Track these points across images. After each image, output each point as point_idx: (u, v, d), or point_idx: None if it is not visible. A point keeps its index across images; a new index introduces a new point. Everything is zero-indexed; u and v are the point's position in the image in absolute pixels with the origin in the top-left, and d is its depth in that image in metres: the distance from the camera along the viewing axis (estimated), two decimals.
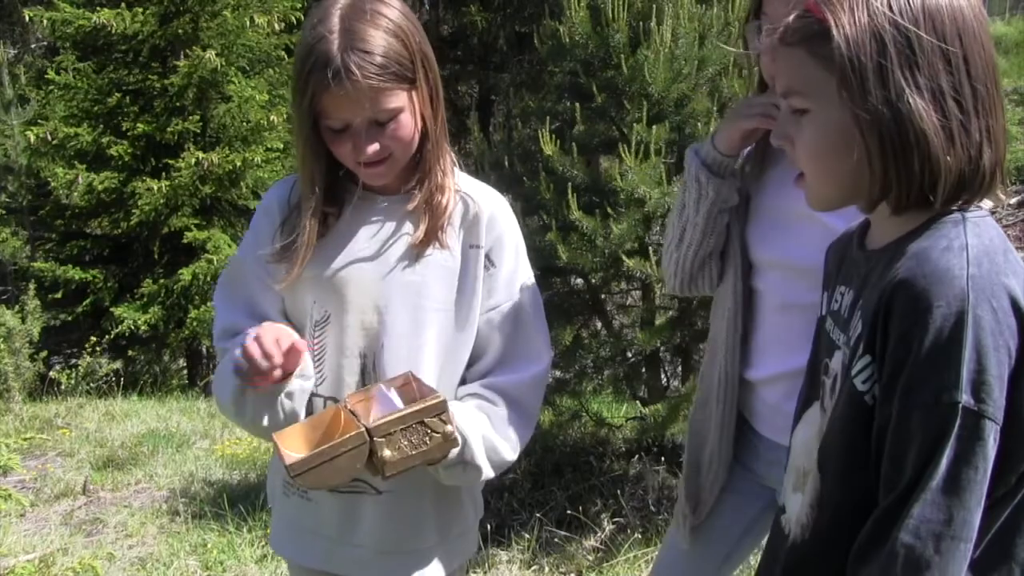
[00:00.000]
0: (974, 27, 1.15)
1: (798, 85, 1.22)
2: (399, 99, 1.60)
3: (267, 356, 1.55)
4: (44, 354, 8.78)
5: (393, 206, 1.73)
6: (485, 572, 3.78)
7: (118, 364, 9.66)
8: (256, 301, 1.74)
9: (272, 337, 1.57)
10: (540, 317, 1.80)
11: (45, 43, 14.55)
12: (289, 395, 1.64)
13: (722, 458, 2.02)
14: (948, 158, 1.13)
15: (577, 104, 4.03)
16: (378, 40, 1.56)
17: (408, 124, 1.63)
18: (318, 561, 1.80)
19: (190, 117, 9.80)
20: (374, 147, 1.60)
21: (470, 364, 1.77)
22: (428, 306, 1.71)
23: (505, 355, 1.76)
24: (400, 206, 1.72)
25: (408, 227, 1.72)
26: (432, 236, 1.70)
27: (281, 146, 10.50)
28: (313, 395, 1.71)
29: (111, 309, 9.69)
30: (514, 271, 1.78)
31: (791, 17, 1.23)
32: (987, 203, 1.25)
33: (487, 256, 1.74)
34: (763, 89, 1.87)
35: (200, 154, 9.59)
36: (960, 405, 1.06)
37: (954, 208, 1.18)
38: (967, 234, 1.14)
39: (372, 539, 1.75)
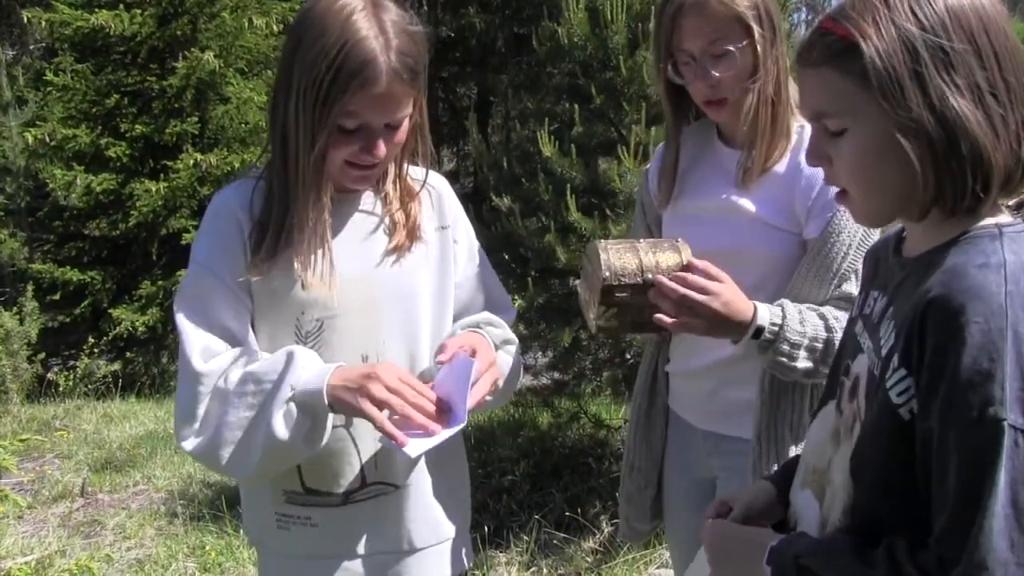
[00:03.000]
0: (997, 20, 1.14)
1: (830, 105, 1.19)
2: (411, 103, 1.62)
3: (421, 408, 1.54)
4: (42, 356, 8.76)
5: (368, 206, 1.74)
6: (484, 574, 3.77)
7: (116, 366, 9.64)
8: (222, 316, 1.64)
9: (409, 386, 1.55)
10: (493, 272, 1.94)
11: (43, 44, 14.55)
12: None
13: (651, 452, 2.10)
14: (997, 155, 1.12)
15: (576, 105, 4.03)
16: (407, 42, 1.57)
17: (406, 129, 1.65)
18: None
19: (188, 119, 9.80)
20: (384, 151, 1.60)
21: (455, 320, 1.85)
22: (418, 293, 1.74)
23: (486, 309, 1.87)
24: (376, 205, 1.74)
25: (386, 225, 1.73)
26: (413, 235, 1.73)
27: None
28: None
29: (109, 311, 9.67)
30: (471, 238, 1.89)
31: (807, 36, 1.22)
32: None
33: (452, 236, 1.82)
34: (677, 116, 1.96)
35: (198, 155, 9.59)
36: (1006, 423, 1.04)
37: (990, 222, 1.17)
38: (1004, 250, 1.12)
39: (393, 541, 1.74)
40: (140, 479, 5.48)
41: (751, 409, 1.87)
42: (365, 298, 1.68)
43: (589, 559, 3.86)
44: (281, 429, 1.54)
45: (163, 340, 10.02)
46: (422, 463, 1.75)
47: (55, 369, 9.26)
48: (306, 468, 1.69)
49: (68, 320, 10.03)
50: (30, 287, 9.02)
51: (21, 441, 4.31)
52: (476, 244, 1.90)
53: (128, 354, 10.09)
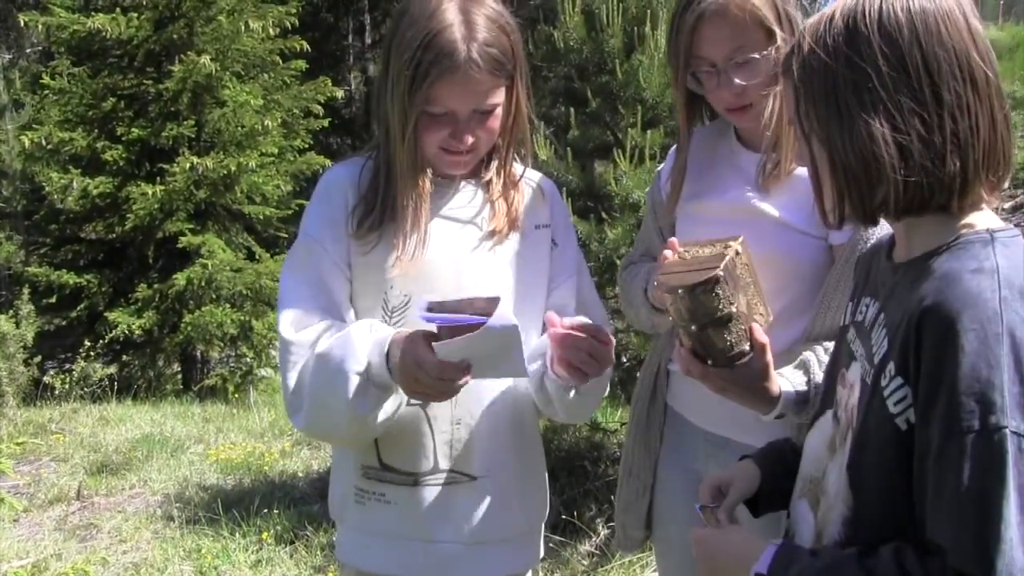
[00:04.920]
0: (939, 29, 1.14)
1: (791, 113, 1.24)
2: (501, 93, 1.68)
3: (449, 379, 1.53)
4: (38, 359, 8.77)
5: (469, 192, 1.79)
6: None
7: (112, 369, 9.65)
8: (329, 286, 1.71)
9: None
10: (592, 283, 1.94)
11: (40, 48, 14.55)
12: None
13: (648, 456, 2.04)
14: (897, 177, 1.12)
15: (572, 109, 4.04)
16: (494, 34, 1.63)
17: (500, 118, 1.71)
18: (400, 566, 1.77)
19: (185, 122, 9.80)
20: (471, 139, 1.67)
21: None
22: (503, 286, 1.76)
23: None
24: (476, 193, 1.78)
25: (486, 213, 1.78)
26: (512, 223, 1.77)
27: (276, 151, 10.50)
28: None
29: (105, 314, 9.67)
30: (574, 247, 1.91)
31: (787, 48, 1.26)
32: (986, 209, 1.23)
33: (552, 237, 1.85)
34: (691, 120, 1.90)
35: (195, 159, 9.59)
36: (1008, 430, 1.03)
37: (964, 221, 1.17)
38: (996, 255, 1.12)
39: (464, 531, 1.75)
40: (136, 482, 5.47)
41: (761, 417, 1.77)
42: (454, 280, 1.72)
43: (585, 562, 3.86)
44: (357, 404, 1.60)
45: (159, 343, 10.02)
46: (502, 458, 1.76)
47: (51, 372, 9.26)
48: (383, 443, 1.74)
49: (64, 323, 10.04)
50: (26, 290, 9.03)
51: (17, 444, 4.30)
52: (579, 255, 1.93)
53: (124, 357, 10.09)
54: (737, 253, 1.52)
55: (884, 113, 1.12)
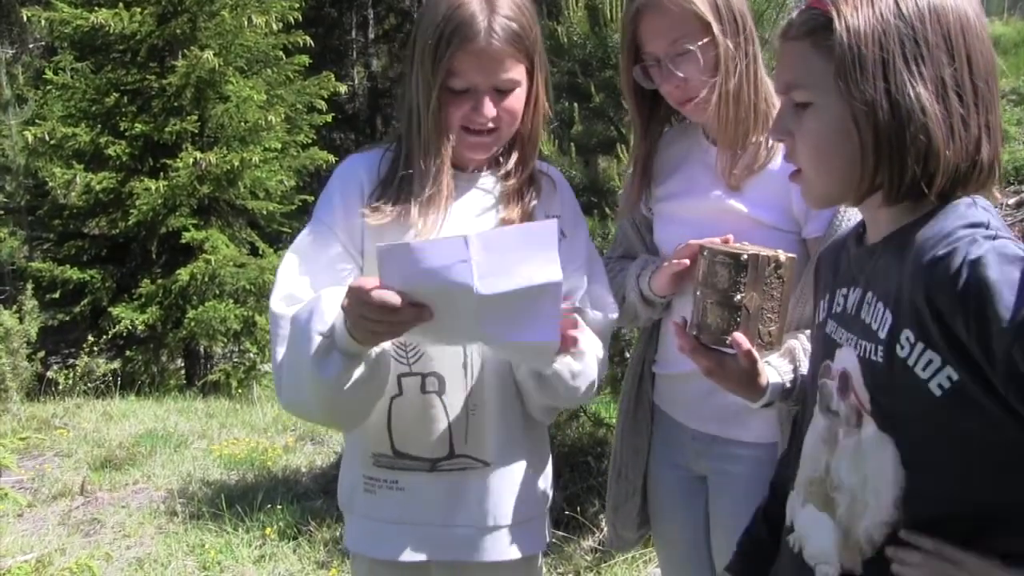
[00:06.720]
0: (976, 26, 1.17)
1: (801, 78, 1.22)
2: (520, 72, 1.71)
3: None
4: (42, 354, 8.78)
5: (488, 183, 1.80)
6: None
7: (116, 364, 9.65)
8: (326, 272, 1.69)
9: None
10: (604, 273, 1.92)
11: (43, 43, 14.54)
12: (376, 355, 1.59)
13: (637, 457, 2.05)
14: (948, 152, 1.13)
15: (575, 104, 4.03)
16: (515, 11, 1.68)
17: (521, 100, 1.73)
18: (412, 551, 1.79)
19: (188, 117, 9.80)
20: (492, 111, 1.69)
21: None
22: None
23: (587, 303, 1.86)
24: (496, 184, 1.80)
25: (502, 203, 1.79)
26: (524, 215, 1.79)
27: (279, 146, 10.50)
28: (409, 374, 1.73)
29: (109, 309, 9.69)
30: (583, 237, 1.92)
31: (795, 13, 1.25)
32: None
33: (561, 228, 1.83)
34: (645, 124, 1.91)
35: (198, 154, 9.60)
36: None
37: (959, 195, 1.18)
38: (980, 212, 1.14)
39: (478, 516, 1.78)
40: (140, 477, 5.48)
41: (747, 411, 1.77)
42: None
43: (588, 558, 3.86)
44: (318, 366, 1.55)
45: (162, 338, 10.03)
46: (513, 442, 1.80)
47: (55, 367, 9.27)
48: (396, 430, 1.76)
49: (68, 318, 10.05)
50: (30, 285, 9.02)
51: (21, 439, 4.32)
52: (590, 244, 1.93)
53: (127, 352, 10.10)
54: (777, 262, 1.53)
55: (933, 87, 1.13)
